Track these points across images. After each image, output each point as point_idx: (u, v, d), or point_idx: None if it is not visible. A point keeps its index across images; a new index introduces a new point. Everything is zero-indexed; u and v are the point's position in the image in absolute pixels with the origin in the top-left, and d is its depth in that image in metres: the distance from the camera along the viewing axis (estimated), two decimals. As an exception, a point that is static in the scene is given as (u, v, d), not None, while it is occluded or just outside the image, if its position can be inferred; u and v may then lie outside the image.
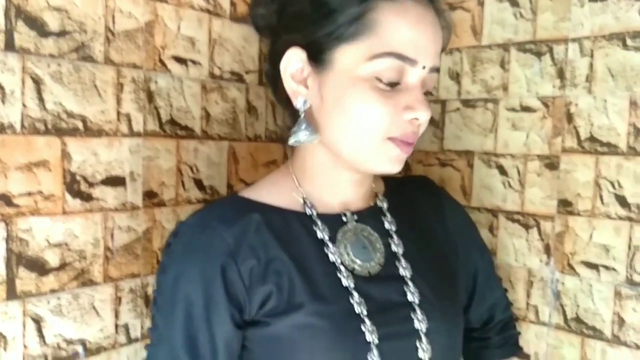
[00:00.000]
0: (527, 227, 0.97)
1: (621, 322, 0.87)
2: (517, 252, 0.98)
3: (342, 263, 0.66)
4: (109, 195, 0.76)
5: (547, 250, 0.94)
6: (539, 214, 0.95)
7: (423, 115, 0.63)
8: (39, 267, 0.70)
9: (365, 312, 0.63)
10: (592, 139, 0.89)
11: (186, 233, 0.65)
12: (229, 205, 0.68)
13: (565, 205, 0.92)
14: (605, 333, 0.88)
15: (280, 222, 0.66)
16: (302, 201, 0.69)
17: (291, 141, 0.65)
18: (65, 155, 0.72)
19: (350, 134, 0.64)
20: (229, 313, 0.62)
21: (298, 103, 0.65)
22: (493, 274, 0.87)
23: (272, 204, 0.68)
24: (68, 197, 0.72)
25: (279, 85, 0.68)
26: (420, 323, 0.65)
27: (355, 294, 0.64)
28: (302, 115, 0.65)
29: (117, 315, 0.78)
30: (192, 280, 0.62)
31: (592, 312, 0.90)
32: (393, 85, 0.61)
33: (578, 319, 0.91)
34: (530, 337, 0.97)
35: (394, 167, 0.66)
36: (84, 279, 0.74)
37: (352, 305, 0.63)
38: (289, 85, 0.65)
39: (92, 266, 0.75)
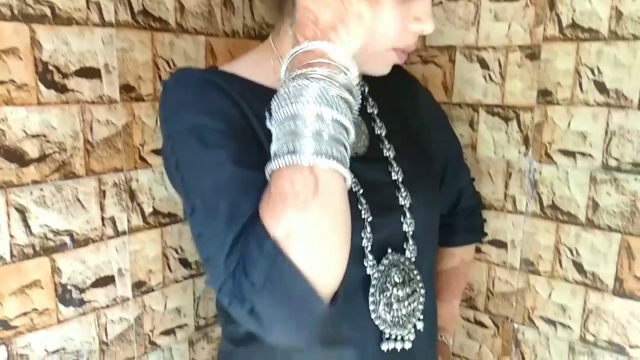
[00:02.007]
0: (506, 119, 0.98)
1: (595, 206, 0.90)
2: (496, 145, 1.00)
3: None
4: (84, 87, 0.74)
5: (526, 141, 0.96)
6: (518, 105, 0.96)
7: (429, 29, 0.61)
8: (18, 158, 0.69)
9: (361, 191, 0.64)
10: (573, 25, 0.88)
11: (182, 80, 0.60)
12: (214, 73, 0.64)
13: (545, 95, 0.93)
14: (580, 218, 0.92)
15: (268, 100, 0.65)
16: None
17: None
18: (35, 43, 0.69)
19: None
20: (254, 140, 0.58)
21: None
22: (461, 161, 0.88)
23: (256, 81, 0.66)
24: (42, 87, 0.70)
25: None
26: (404, 199, 0.67)
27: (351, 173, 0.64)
28: None
29: (102, 209, 0.78)
30: (211, 112, 0.57)
31: (568, 198, 0.93)
32: None
33: (554, 206, 0.94)
34: (508, 226, 1.00)
35: (385, 71, 0.65)
36: (65, 171, 0.73)
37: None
38: None
39: (72, 159, 0.74)
